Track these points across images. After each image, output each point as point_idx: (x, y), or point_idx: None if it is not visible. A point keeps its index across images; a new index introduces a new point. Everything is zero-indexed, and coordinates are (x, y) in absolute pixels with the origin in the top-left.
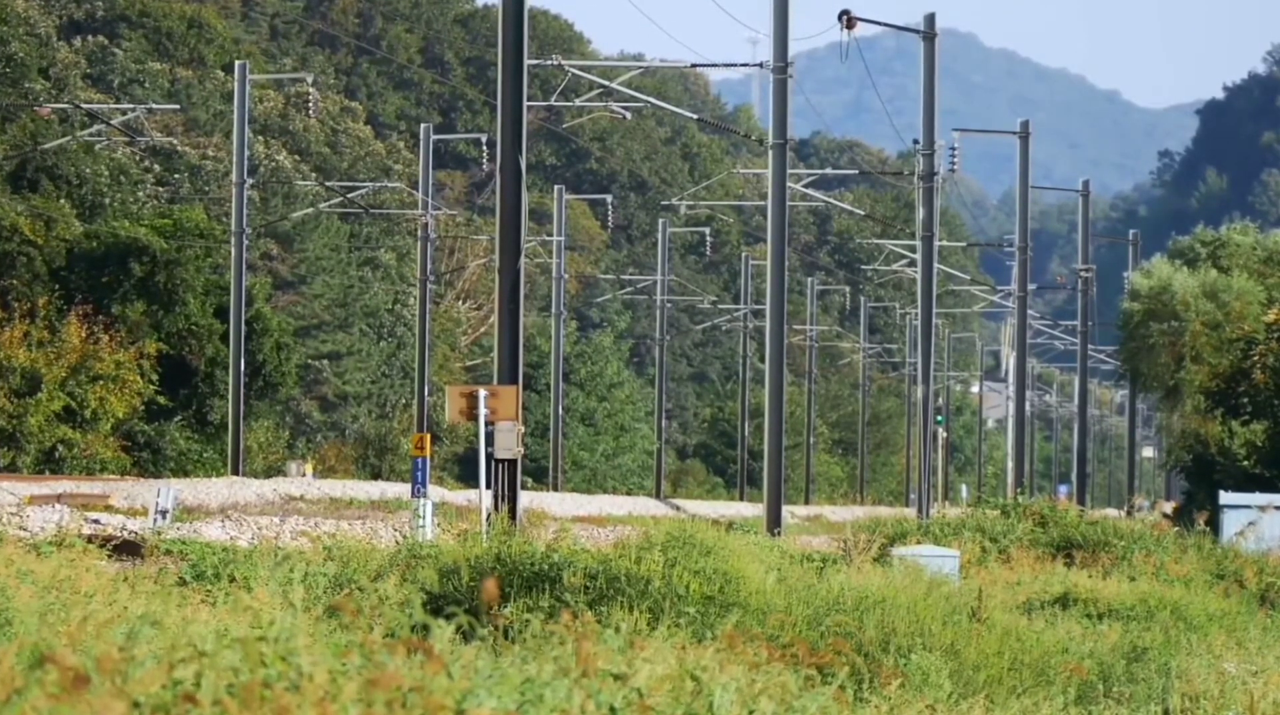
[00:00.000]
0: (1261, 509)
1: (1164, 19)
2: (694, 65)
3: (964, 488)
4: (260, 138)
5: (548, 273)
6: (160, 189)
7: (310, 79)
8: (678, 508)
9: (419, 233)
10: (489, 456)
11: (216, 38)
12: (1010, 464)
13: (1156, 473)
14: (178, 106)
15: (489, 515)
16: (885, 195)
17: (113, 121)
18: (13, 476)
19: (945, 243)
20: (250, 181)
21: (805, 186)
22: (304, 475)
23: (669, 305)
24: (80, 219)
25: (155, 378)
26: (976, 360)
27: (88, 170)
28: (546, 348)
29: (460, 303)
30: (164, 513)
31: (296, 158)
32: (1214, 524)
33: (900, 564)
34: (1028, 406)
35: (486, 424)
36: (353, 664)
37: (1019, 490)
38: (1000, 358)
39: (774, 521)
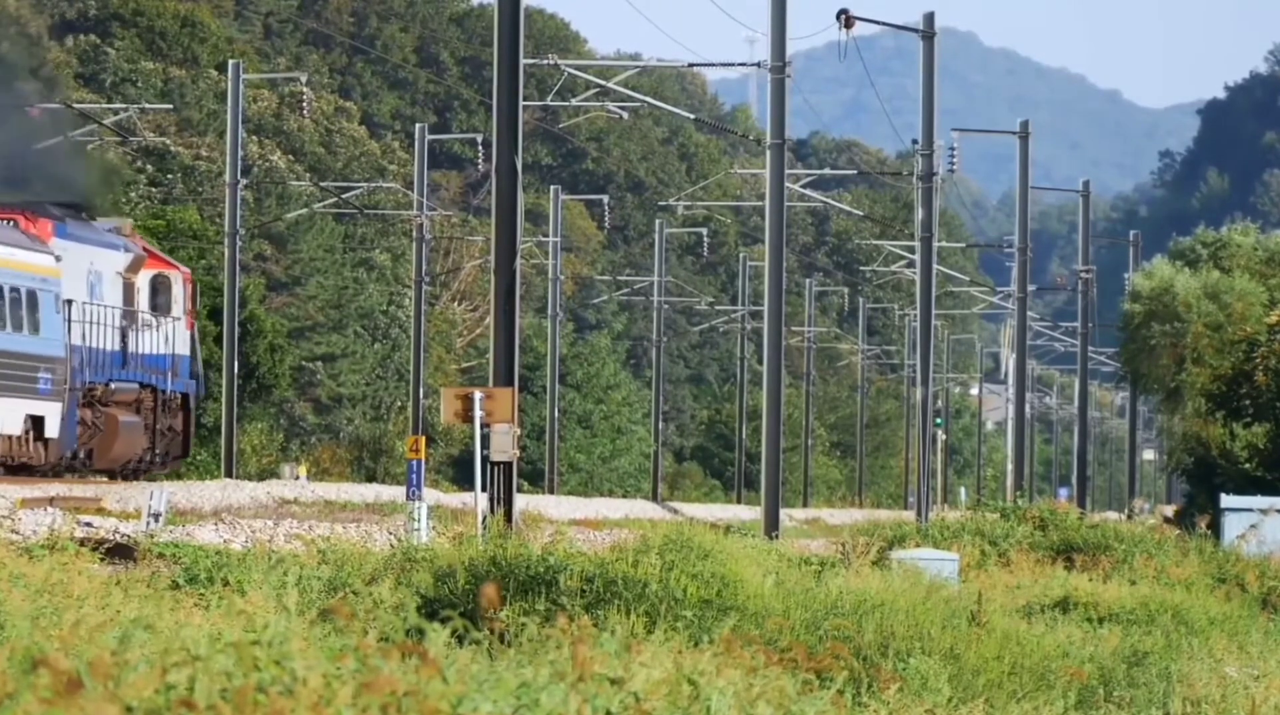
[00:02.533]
0: (1263, 512)
1: (1165, 17)
2: (691, 65)
3: (963, 490)
4: (254, 138)
5: (544, 274)
6: (153, 189)
7: (304, 79)
8: (675, 511)
9: (414, 233)
10: (484, 459)
11: (210, 37)
12: (1010, 467)
13: (1157, 476)
14: (171, 106)
15: (484, 518)
16: (884, 196)
17: (105, 122)
18: (4, 479)
19: (944, 243)
20: (244, 182)
21: (803, 187)
22: (298, 478)
23: (666, 306)
24: None
25: None
26: (976, 362)
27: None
28: (543, 349)
29: (456, 304)
30: (157, 516)
31: (290, 158)
32: (1215, 527)
33: (899, 567)
34: (1027, 409)
35: (482, 426)
36: (347, 668)
37: (1019, 493)
38: (1000, 359)
39: (772, 524)
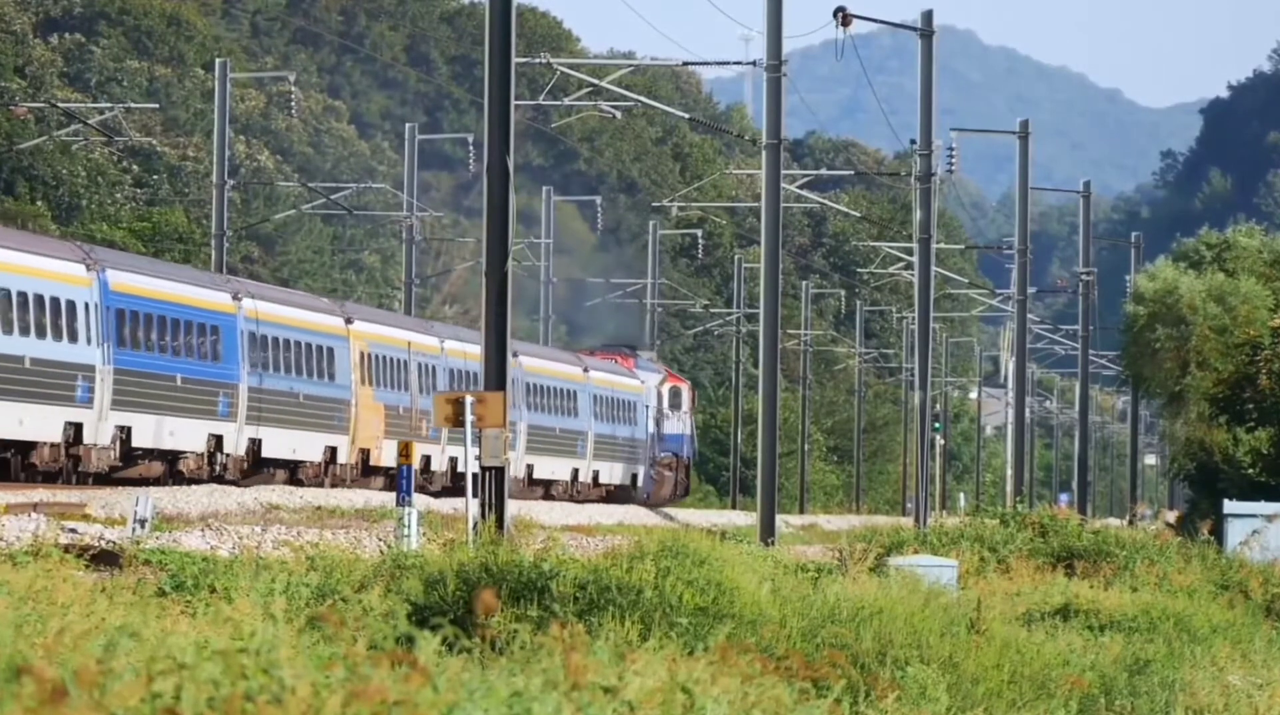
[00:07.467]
0: (1267, 518)
1: (1167, 16)
2: (686, 63)
3: (962, 496)
4: (241, 138)
5: (535, 276)
6: (138, 190)
7: (292, 78)
8: (669, 517)
9: (404, 235)
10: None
11: (197, 35)
12: (1009, 472)
13: (1159, 481)
14: (157, 105)
15: (476, 524)
16: (882, 196)
17: (90, 121)
18: None
19: (943, 245)
20: (231, 182)
21: (800, 187)
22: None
23: (660, 309)
24: (56, 221)
25: None
26: (975, 365)
27: (64, 171)
28: None
29: (446, 307)
30: (143, 522)
31: (278, 158)
32: (1218, 533)
33: (897, 574)
34: (1027, 413)
35: (473, 430)
36: (336, 676)
37: (1018, 499)
38: (999, 363)
39: (768, 531)
